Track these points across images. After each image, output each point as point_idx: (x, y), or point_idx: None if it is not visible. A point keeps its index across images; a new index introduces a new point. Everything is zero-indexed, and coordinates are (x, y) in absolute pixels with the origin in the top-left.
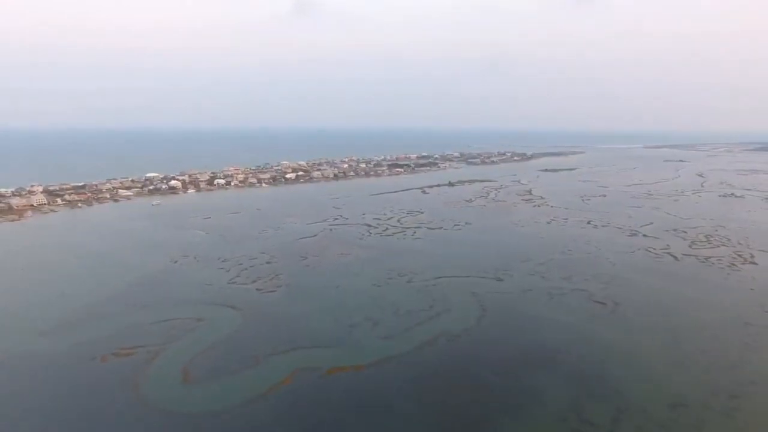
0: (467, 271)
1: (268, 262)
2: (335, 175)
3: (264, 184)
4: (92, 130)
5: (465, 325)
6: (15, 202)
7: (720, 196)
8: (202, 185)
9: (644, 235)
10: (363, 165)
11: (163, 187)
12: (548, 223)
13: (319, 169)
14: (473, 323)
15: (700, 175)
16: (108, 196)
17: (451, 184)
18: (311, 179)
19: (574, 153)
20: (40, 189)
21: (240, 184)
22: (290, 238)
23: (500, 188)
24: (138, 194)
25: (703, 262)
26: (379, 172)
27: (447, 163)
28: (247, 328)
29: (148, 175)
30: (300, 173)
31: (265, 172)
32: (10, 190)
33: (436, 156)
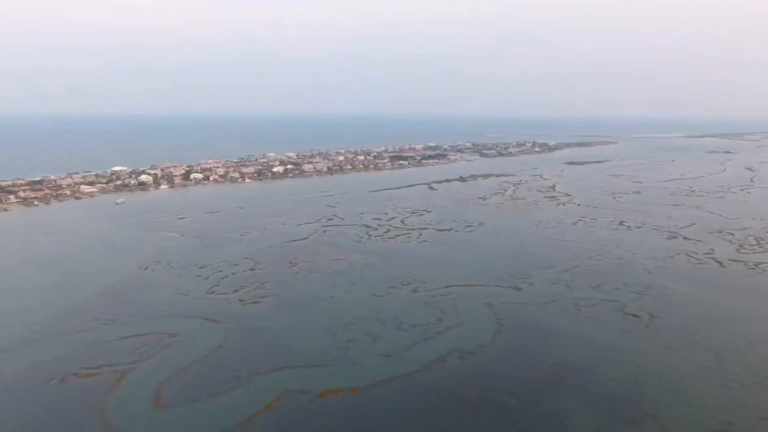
0: (481, 279)
1: (251, 269)
2: (329, 169)
3: (247, 179)
4: (35, 116)
5: (478, 341)
6: None
7: None
8: (177, 180)
9: (685, 238)
10: (361, 157)
11: (132, 182)
12: (574, 224)
13: (310, 162)
14: (488, 339)
15: (750, 169)
16: (69, 192)
17: (462, 179)
18: (302, 173)
19: (604, 143)
20: None
21: (220, 179)
22: (277, 241)
23: (519, 184)
24: (103, 190)
25: (753, 268)
26: (380, 165)
27: (458, 155)
28: (228, 345)
29: (115, 168)
30: (289, 166)
31: (249, 166)
32: None
33: (446, 147)
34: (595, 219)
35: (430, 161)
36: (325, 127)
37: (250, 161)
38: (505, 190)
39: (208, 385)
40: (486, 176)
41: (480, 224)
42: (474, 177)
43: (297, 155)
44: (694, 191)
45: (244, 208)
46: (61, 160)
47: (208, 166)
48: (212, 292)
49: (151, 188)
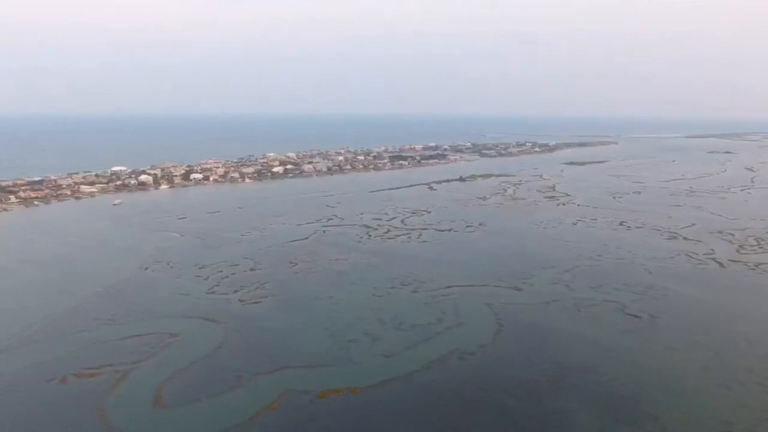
0: (481, 280)
1: (251, 269)
2: (329, 169)
3: (247, 179)
4: (35, 116)
5: (479, 342)
6: None
7: None
8: (177, 180)
9: (685, 238)
10: (361, 157)
11: (132, 182)
12: (574, 224)
13: (310, 162)
14: (489, 339)
15: (750, 169)
16: (69, 192)
17: (462, 180)
18: (302, 173)
19: (604, 143)
20: None
21: (220, 179)
22: (277, 241)
23: (519, 184)
24: (103, 190)
25: (753, 269)
26: (380, 165)
27: (457, 155)
28: (229, 345)
29: (115, 168)
30: (289, 167)
31: (249, 166)
32: None
33: (445, 147)
34: (596, 219)
35: (430, 161)
36: (325, 127)
37: (250, 161)
38: (505, 191)
39: (208, 385)
40: (486, 176)
41: (480, 224)
42: (474, 177)
43: (297, 155)
44: (694, 191)
45: (244, 208)
46: (61, 160)
47: (208, 166)
48: (212, 292)
49: (151, 188)
